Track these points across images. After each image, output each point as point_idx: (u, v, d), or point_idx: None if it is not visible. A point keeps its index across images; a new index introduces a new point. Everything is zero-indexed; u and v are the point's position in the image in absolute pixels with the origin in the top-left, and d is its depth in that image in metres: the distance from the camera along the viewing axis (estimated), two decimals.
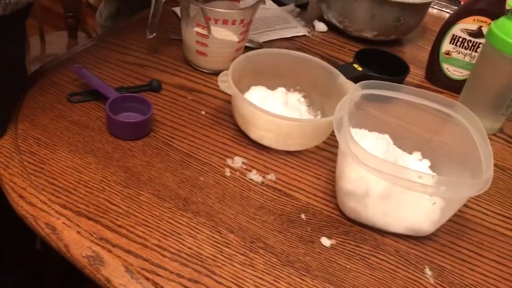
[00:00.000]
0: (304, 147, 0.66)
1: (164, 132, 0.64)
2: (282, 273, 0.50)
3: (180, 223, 0.53)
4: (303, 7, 1.02)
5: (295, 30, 0.92)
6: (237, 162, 0.62)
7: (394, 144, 0.64)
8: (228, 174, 0.60)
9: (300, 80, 0.72)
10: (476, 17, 0.80)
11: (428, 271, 0.54)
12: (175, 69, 0.77)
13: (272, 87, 0.70)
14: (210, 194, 0.57)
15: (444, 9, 1.16)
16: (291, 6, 0.99)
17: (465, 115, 0.60)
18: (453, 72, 0.86)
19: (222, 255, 0.51)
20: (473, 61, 0.83)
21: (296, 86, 0.73)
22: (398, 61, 0.83)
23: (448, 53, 0.85)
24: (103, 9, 1.22)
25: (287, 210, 0.58)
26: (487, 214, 0.63)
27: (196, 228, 0.53)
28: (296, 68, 0.72)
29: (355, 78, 0.74)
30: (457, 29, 0.82)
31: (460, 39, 0.83)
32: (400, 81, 0.80)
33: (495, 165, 0.71)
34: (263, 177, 0.61)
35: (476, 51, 0.82)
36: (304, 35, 0.93)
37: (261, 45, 0.86)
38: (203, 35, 0.72)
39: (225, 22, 0.71)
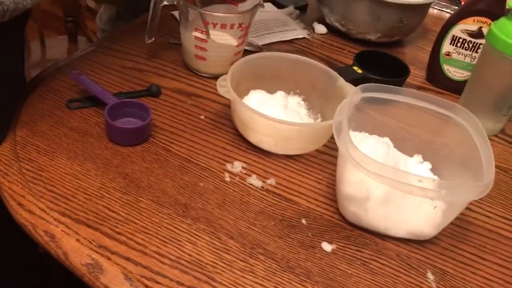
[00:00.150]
0: (304, 151, 0.66)
1: (163, 137, 0.64)
2: (283, 279, 0.50)
3: (180, 230, 0.53)
4: (302, 9, 1.02)
5: (295, 33, 0.92)
6: (237, 167, 0.62)
7: (395, 146, 0.64)
8: (227, 179, 0.60)
9: (300, 83, 0.72)
10: (476, 18, 0.79)
11: (430, 275, 0.54)
12: (174, 74, 0.76)
13: (271, 90, 0.70)
14: (210, 199, 0.57)
15: (444, 9, 1.15)
16: (290, 8, 0.99)
17: (466, 117, 0.60)
18: (454, 73, 0.85)
19: (222, 262, 0.50)
20: (474, 62, 0.82)
21: (295, 89, 0.73)
22: (398, 63, 0.82)
23: (448, 54, 0.84)
24: (103, 13, 1.22)
25: (287, 215, 0.57)
26: (489, 217, 0.63)
27: (195, 235, 0.52)
28: (295, 72, 0.72)
29: (355, 80, 0.74)
30: (457, 30, 0.82)
31: (461, 40, 0.82)
32: (401, 83, 0.80)
33: (497, 166, 0.71)
34: (263, 181, 0.61)
35: (476, 52, 0.82)
36: (304, 38, 0.92)
37: (260, 48, 0.86)
38: (201, 40, 0.72)
39: (223, 26, 0.70)
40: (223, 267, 0.50)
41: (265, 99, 0.67)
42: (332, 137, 0.54)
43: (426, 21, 0.99)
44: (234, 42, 0.74)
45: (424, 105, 0.61)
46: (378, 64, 0.80)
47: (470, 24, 0.80)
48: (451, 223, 0.57)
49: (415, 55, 0.95)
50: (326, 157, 0.66)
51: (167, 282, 0.48)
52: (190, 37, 0.73)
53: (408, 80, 0.83)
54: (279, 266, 0.51)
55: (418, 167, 0.62)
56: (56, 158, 0.58)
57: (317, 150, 0.67)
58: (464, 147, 0.58)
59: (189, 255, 0.50)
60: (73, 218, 0.52)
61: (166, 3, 0.72)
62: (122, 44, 0.81)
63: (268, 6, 1.00)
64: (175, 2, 0.72)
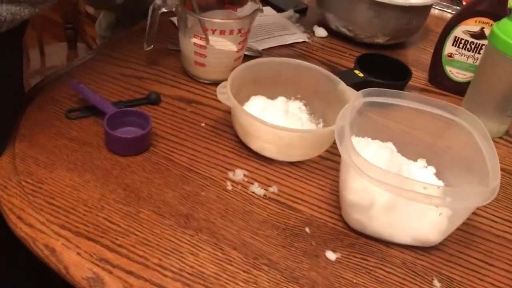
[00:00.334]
0: (306, 157, 0.65)
1: (163, 146, 0.63)
2: None
3: (182, 241, 0.52)
4: (302, 12, 1.01)
5: (295, 37, 0.91)
6: (239, 174, 0.61)
7: (398, 151, 0.63)
8: (229, 188, 0.59)
9: (301, 88, 0.71)
10: (478, 19, 0.78)
11: (436, 283, 0.53)
12: (174, 81, 0.76)
13: (272, 96, 0.69)
14: (212, 209, 0.56)
15: (445, 9, 1.15)
16: (290, 12, 0.98)
17: (469, 119, 0.59)
18: (456, 74, 0.84)
19: (225, 273, 0.50)
20: (476, 63, 0.82)
21: (297, 94, 0.72)
22: (400, 65, 0.82)
23: (450, 55, 0.83)
24: (103, 19, 1.22)
25: (290, 224, 0.56)
26: (495, 221, 0.62)
27: (198, 246, 0.52)
28: (296, 76, 0.71)
29: (357, 84, 0.73)
30: (459, 31, 0.81)
31: (463, 41, 0.81)
32: (403, 86, 0.79)
33: (503, 169, 0.70)
34: (265, 189, 0.60)
35: (479, 53, 0.81)
36: (304, 41, 0.91)
37: (260, 53, 0.85)
38: (201, 46, 0.71)
39: (222, 32, 0.70)
40: (226, 279, 0.49)
41: (266, 105, 0.66)
42: (335, 143, 0.53)
43: (428, 22, 0.98)
44: (233, 48, 0.73)
45: (426, 108, 0.60)
46: (380, 67, 0.79)
47: (472, 25, 0.80)
48: (457, 229, 0.56)
49: (417, 57, 0.95)
50: (328, 163, 0.66)
51: None
52: (189, 43, 0.72)
53: (410, 82, 0.82)
54: (283, 276, 0.50)
55: (422, 172, 0.62)
56: (55, 170, 0.57)
57: (320, 156, 0.66)
58: (469, 151, 0.58)
59: (191, 267, 0.50)
60: (74, 231, 0.51)
61: (165, 10, 0.71)
62: (121, 52, 0.80)
63: (268, 10, 0.99)
64: (174, 9, 0.71)
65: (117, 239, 0.51)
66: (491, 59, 0.72)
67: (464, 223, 0.58)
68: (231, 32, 0.70)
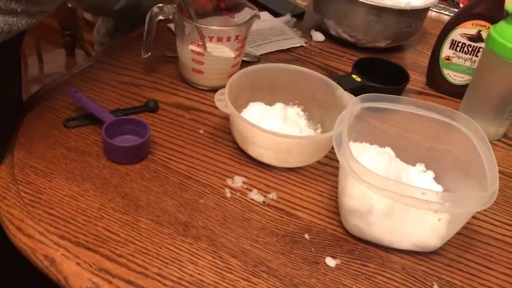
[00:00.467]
0: (305, 163, 0.65)
1: (162, 154, 0.63)
2: None
3: (181, 250, 0.52)
4: (299, 16, 1.01)
5: (292, 41, 0.92)
6: (237, 181, 0.61)
7: (397, 156, 0.63)
8: (228, 195, 0.59)
9: (299, 93, 0.72)
10: (475, 22, 0.79)
11: None
12: (172, 88, 0.76)
13: (270, 102, 0.70)
14: (211, 217, 0.56)
15: (443, 11, 1.15)
16: (287, 16, 0.98)
17: (467, 123, 0.59)
18: (454, 77, 0.84)
19: (224, 282, 0.50)
20: (474, 66, 0.82)
21: (295, 100, 0.72)
22: (397, 69, 0.82)
23: (448, 58, 0.83)
24: (101, 25, 1.22)
25: (290, 230, 0.56)
26: (495, 225, 0.62)
27: (197, 254, 0.52)
28: (294, 82, 0.71)
29: (354, 89, 0.73)
30: (456, 34, 0.81)
31: (460, 44, 0.81)
32: (400, 90, 0.79)
33: (501, 172, 0.70)
34: (264, 196, 0.60)
35: (476, 56, 0.81)
36: (301, 46, 0.92)
37: (258, 59, 0.85)
38: (198, 53, 0.71)
39: (220, 39, 0.70)
40: (225, 287, 0.49)
41: (264, 112, 0.66)
42: (333, 148, 0.53)
43: (425, 24, 0.99)
44: (231, 54, 0.73)
45: (424, 113, 0.60)
46: (378, 71, 0.79)
47: (469, 28, 0.80)
48: (457, 233, 0.56)
49: (415, 60, 0.95)
50: (327, 168, 0.66)
51: None
52: (187, 50, 0.72)
53: (408, 86, 0.82)
54: (282, 284, 0.50)
55: (421, 176, 0.62)
56: (54, 179, 0.57)
57: (318, 162, 0.66)
58: (467, 155, 0.58)
59: (191, 275, 0.50)
60: (73, 241, 0.51)
61: (162, 18, 0.71)
62: (119, 59, 0.80)
63: (265, 15, 0.99)
64: (171, 17, 0.71)
65: (116, 248, 0.51)
66: (488, 62, 0.72)
67: (463, 227, 0.58)
68: (228, 39, 0.70)
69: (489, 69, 0.72)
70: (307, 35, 0.95)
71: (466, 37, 0.80)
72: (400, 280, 0.53)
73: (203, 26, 0.69)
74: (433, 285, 0.53)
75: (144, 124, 0.62)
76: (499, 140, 0.77)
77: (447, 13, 1.14)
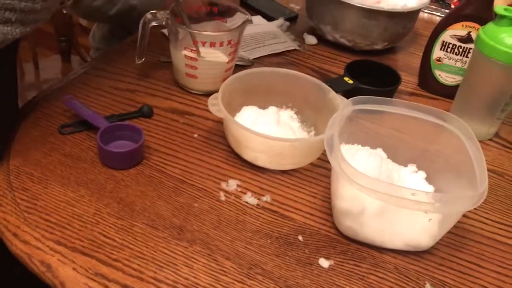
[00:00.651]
0: (298, 166, 0.66)
1: (157, 159, 0.64)
2: None
3: (176, 253, 0.53)
4: (292, 20, 1.02)
5: (285, 45, 0.92)
6: (232, 185, 0.62)
7: (389, 157, 0.64)
8: (223, 198, 0.60)
9: (292, 97, 0.72)
10: (465, 23, 0.79)
11: (429, 287, 0.53)
12: (167, 93, 0.76)
13: (264, 105, 0.70)
14: (205, 220, 0.57)
15: (434, 12, 1.16)
16: (281, 20, 0.99)
17: (457, 124, 0.60)
18: (446, 78, 0.85)
19: (219, 284, 0.50)
20: (465, 67, 0.83)
21: (288, 103, 0.73)
22: (389, 71, 0.83)
23: (439, 59, 0.84)
24: (96, 31, 1.22)
25: (284, 232, 0.57)
26: (486, 223, 0.62)
27: (192, 257, 0.52)
28: (287, 86, 0.72)
29: (347, 91, 0.74)
30: (447, 36, 0.82)
31: (450, 45, 0.82)
32: (392, 92, 0.80)
33: (493, 171, 0.71)
34: (258, 199, 0.61)
35: (467, 57, 0.82)
36: (295, 49, 0.92)
37: (252, 63, 0.86)
38: (192, 58, 0.72)
39: (212, 44, 0.71)
40: None
41: (257, 116, 0.67)
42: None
43: (417, 26, 1.00)
44: (224, 59, 0.74)
45: (416, 114, 0.61)
46: (370, 73, 0.80)
47: (459, 29, 0.81)
48: (449, 232, 0.57)
49: (407, 61, 0.96)
50: (321, 170, 0.66)
51: None
52: (180, 55, 0.73)
53: (400, 87, 0.83)
54: (277, 285, 0.51)
55: (412, 177, 0.62)
56: (50, 185, 0.58)
57: (312, 164, 0.67)
58: (458, 155, 0.59)
59: (186, 278, 0.50)
60: (69, 246, 0.52)
61: (155, 24, 0.72)
62: (114, 65, 0.81)
63: (258, 19, 1.00)
64: (164, 22, 0.72)
65: (112, 253, 0.52)
66: (478, 63, 0.73)
67: (455, 226, 0.59)
68: (221, 44, 0.71)
69: (479, 70, 0.73)
70: (300, 38, 0.96)
71: (457, 38, 0.81)
72: (393, 280, 0.54)
73: (196, 31, 0.70)
74: (425, 284, 0.54)
75: (138, 130, 0.63)
76: (490, 139, 0.78)
77: (439, 14, 1.15)
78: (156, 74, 0.80)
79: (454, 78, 0.85)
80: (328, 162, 0.65)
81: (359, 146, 0.63)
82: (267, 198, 0.61)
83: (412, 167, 0.63)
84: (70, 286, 0.49)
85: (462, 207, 0.51)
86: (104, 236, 0.53)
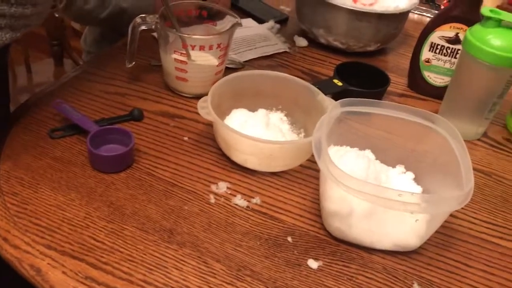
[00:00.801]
0: (288, 167, 0.66)
1: (147, 162, 0.64)
2: None
3: (166, 256, 0.53)
4: (283, 22, 1.03)
5: (276, 47, 0.93)
6: (222, 187, 0.62)
7: (377, 158, 0.65)
8: (212, 201, 0.60)
9: (282, 99, 0.73)
10: (453, 24, 0.80)
11: (416, 286, 0.54)
12: (157, 96, 0.77)
13: (254, 108, 0.71)
14: (195, 223, 0.57)
15: (424, 14, 1.17)
16: (271, 23, 1.00)
17: (444, 125, 0.60)
18: (435, 79, 0.86)
19: (208, 286, 0.51)
20: (453, 68, 0.83)
21: (278, 105, 0.73)
22: (378, 72, 0.83)
23: (428, 60, 0.85)
24: (88, 34, 1.23)
25: (273, 234, 0.58)
26: (474, 223, 0.63)
27: (181, 260, 0.53)
28: (276, 88, 0.72)
29: (336, 93, 0.75)
30: (435, 37, 0.83)
31: (439, 47, 0.83)
32: (381, 93, 0.81)
33: (481, 171, 0.72)
34: (248, 201, 0.61)
35: (455, 58, 0.83)
36: (285, 52, 0.93)
37: (242, 65, 0.87)
38: (181, 61, 0.73)
39: (202, 47, 0.71)
40: None
41: (246, 118, 0.67)
42: None
43: (406, 26, 1.00)
44: (214, 62, 0.75)
45: (404, 116, 0.61)
46: (359, 75, 0.81)
47: (447, 30, 0.81)
48: (437, 232, 0.58)
49: (397, 63, 0.96)
50: (310, 171, 0.67)
51: None
52: (170, 59, 0.73)
53: (390, 88, 0.84)
54: (266, 286, 0.52)
55: (400, 178, 0.63)
56: (40, 190, 0.58)
57: (302, 165, 0.67)
58: (445, 156, 0.59)
59: (176, 281, 0.51)
60: (59, 250, 0.52)
61: (145, 28, 0.72)
62: (105, 69, 0.81)
63: (249, 21, 1.01)
64: (154, 26, 0.72)
65: (102, 256, 0.52)
66: (466, 64, 0.74)
67: (443, 226, 0.59)
68: (210, 47, 0.71)
69: (467, 71, 0.74)
70: (290, 40, 0.97)
71: (445, 39, 0.82)
72: (381, 280, 0.54)
73: (186, 35, 0.71)
74: (413, 284, 0.54)
75: (128, 133, 0.63)
76: (479, 139, 0.79)
77: (429, 15, 1.16)
78: (147, 78, 0.80)
79: (443, 79, 0.86)
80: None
81: (348, 147, 0.63)
82: (256, 200, 0.61)
83: (400, 168, 0.64)
84: None
85: (448, 207, 0.52)
86: (94, 239, 0.54)
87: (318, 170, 0.65)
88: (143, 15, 0.72)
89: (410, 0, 0.93)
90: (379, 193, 0.50)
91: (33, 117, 0.70)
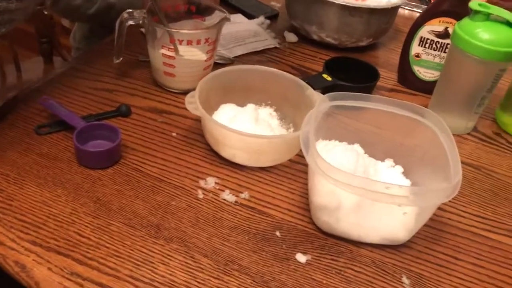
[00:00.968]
0: (277, 162, 0.66)
1: (134, 158, 0.64)
2: None
3: (152, 251, 0.52)
4: (273, 18, 1.02)
5: (266, 43, 0.93)
6: (210, 182, 0.62)
7: (366, 152, 0.64)
8: (200, 196, 0.60)
9: (271, 94, 0.73)
10: (442, 19, 0.80)
11: (405, 280, 0.54)
12: (145, 92, 0.76)
13: (242, 103, 0.70)
14: (183, 218, 0.57)
15: (415, 9, 1.17)
16: (261, 18, 0.99)
17: (433, 119, 0.60)
18: (424, 74, 0.86)
19: (195, 281, 0.50)
20: (443, 62, 0.83)
21: (267, 100, 0.73)
22: (368, 67, 0.83)
23: (417, 55, 0.85)
24: (77, 30, 1.22)
25: (261, 229, 0.57)
26: (463, 216, 0.63)
27: (168, 255, 0.52)
28: (265, 83, 0.72)
29: (325, 88, 0.75)
30: (425, 31, 0.82)
31: (428, 41, 0.83)
32: (370, 88, 0.81)
33: (470, 164, 0.72)
34: (236, 196, 0.61)
35: (445, 52, 0.83)
36: (275, 47, 0.93)
37: (232, 61, 0.86)
38: (169, 56, 0.72)
39: (189, 42, 0.71)
40: (196, 286, 0.50)
41: (235, 113, 0.67)
42: None
43: (397, 22, 1.00)
44: (202, 57, 0.74)
45: (393, 110, 0.61)
46: (349, 70, 0.81)
47: (436, 25, 0.81)
48: (426, 225, 0.58)
49: (387, 58, 0.96)
50: (299, 166, 0.67)
51: None
52: (158, 54, 0.73)
53: (380, 83, 0.84)
54: (253, 281, 0.51)
55: (389, 172, 0.63)
56: (25, 186, 0.58)
57: (290, 160, 0.67)
58: (434, 149, 0.59)
59: (163, 276, 0.50)
60: (44, 246, 0.51)
61: (132, 23, 0.72)
62: (92, 65, 0.81)
63: (239, 17, 1.00)
64: (141, 21, 0.72)
65: (88, 252, 0.51)
66: (455, 58, 0.73)
67: (432, 220, 0.59)
68: (198, 42, 0.71)
69: (456, 65, 0.74)
70: (280, 36, 0.96)
71: (434, 34, 0.82)
72: (370, 273, 0.54)
73: (173, 29, 0.70)
74: (402, 277, 0.54)
75: (115, 129, 0.63)
76: (469, 133, 0.79)
77: (419, 11, 1.16)
78: (135, 74, 0.80)
79: (432, 74, 0.86)
80: None
81: (337, 142, 0.63)
82: (245, 195, 0.61)
83: (389, 162, 0.64)
84: (45, 286, 0.48)
85: (436, 199, 0.52)
86: (80, 235, 0.53)
87: (307, 165, 0.65)
88: (131, 10, 0.71)
89: None
90: (367, 186, 0.50)
91: (20, 113, 0.69)
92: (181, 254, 0.53)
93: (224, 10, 0.74)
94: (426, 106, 0.79)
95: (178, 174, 0.63)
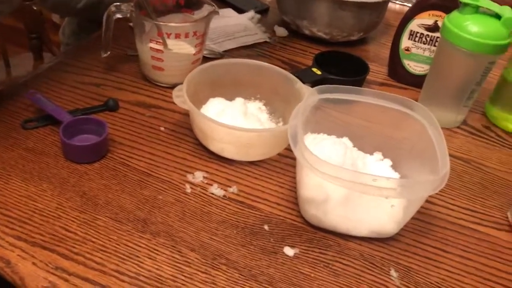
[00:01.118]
0: (266, 156, 0.66)
1: (121, 152, 0.63)
2: None
3: (139, 246, 0.52)
4: (263, 12, 1.02)
5: (256, 37, 0.92)
6: (198, 177, 0.62)
7: (355, 145, 0.64)
8: (188, 190, 0.60)
9: (260, 88, 0.72)
10: (431, 12, 0.80)
11: (393, 273, 0.54)
12: (133, 86, 0.76)
13: (232, 97, 0.70)
14: (170, 212, 0.56)
15: (405, 3, 1.16)
16: (251, 13, 0.99)
17: (422, 112, 0.60)
18: (414, 67, 0.86)
19: (182, 275, 0.50)
20: (433, 56, 0.83)
21: (256, 94, 0.73)
22: (358, 61, 0.83)
23: (407, 49, 0.85)
24: (66, 26, 1.21)
25: (249, 222, 0.57)
26: (452, 209, 0.63)
27: (155, 250, 0.52)
28: (255, 77, 0.72)
29: (315, 82, 0.74)
30: (414, 25, 0.82)
31: (418, 35, 0.83)
32: (360, 81, 0.80)
33: (459, 158, 0.72)
34: (224, 190, 0.60)
35: (434, 46, 0.83)
36: (265, 41, 0.92)
37: (221, 55, 0.86)
38: (157, 50, 0.71)
39: (177, 35, 0.70)
40: (183, 280, 0.49)
41: (223, 107, 0.67)
42: None
43: (388, 16, 1.00)
44: (191, 50, 0.74)
45: (381, 103, 0.61)
46: (339, 64, 0.80)
47: (426, 18, 0.81)
48: (414, 218, 0.57)
49: (377, 52, 0.96)
50: (288, 160, 0.66)
51: None
52: (146, 48, 0.72)
53: (370, 77, 0.84)
54: (241, 275, 0.51)
55: (378, 165, 0.62)
56: (11, 181, 0.57)
57: (279, 154, 0.67)
58: (422, 142, 0.59)
59: (149, 270, 0.50)
60: (29, 241, 0.51)
61: (120, 16, 0.71)
62: (80, 60, 0.80)
63: (229, 11, 1.00)
64: (129, 15, 0.71)
65: (74, 247, 0.51)
66: (444, 51, 0.73)
67: (421, 213, 0.59)
68: (186, 35, 0.70)
69: (445, 58, 0.74)
70: (270, 30, 0.96)
71: (424, 27, 0.82)
72: (358, 266, 0.54)
73: (161, 23, 0.70)
74: (390, 270, 0.54)
75: (102, 123, 0.62)
76: (458, 127, 0.79)
77: (409, 5, 1.15)
78: (123, 68, 0.79)
79: (422, 67, 0.85)
80: None
81: (325, 135, 0.63)
82: (233, 189, 0.61)
83: (378, 155, 0.64)
84: (30, 281, 0.48)
85: (423, 191, 0.52)
86: (66, 230, 0.52)
87: (295, 159, 0.64)
88: (118, 3, 0.71)
89: None
90: (354, 179, 0.50)
91: (6, 108, 0.68)
92: (168, 248, 0.52)
93: (213, 4, 0.74)
94: (416, 100, 0.79)
95: (166, 168, 0.62)
